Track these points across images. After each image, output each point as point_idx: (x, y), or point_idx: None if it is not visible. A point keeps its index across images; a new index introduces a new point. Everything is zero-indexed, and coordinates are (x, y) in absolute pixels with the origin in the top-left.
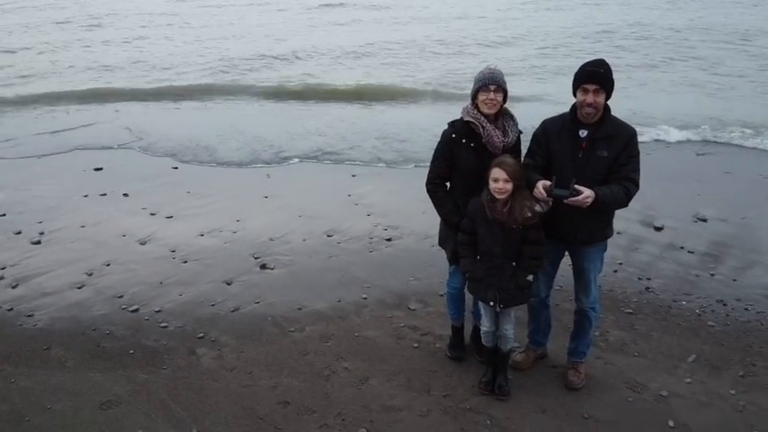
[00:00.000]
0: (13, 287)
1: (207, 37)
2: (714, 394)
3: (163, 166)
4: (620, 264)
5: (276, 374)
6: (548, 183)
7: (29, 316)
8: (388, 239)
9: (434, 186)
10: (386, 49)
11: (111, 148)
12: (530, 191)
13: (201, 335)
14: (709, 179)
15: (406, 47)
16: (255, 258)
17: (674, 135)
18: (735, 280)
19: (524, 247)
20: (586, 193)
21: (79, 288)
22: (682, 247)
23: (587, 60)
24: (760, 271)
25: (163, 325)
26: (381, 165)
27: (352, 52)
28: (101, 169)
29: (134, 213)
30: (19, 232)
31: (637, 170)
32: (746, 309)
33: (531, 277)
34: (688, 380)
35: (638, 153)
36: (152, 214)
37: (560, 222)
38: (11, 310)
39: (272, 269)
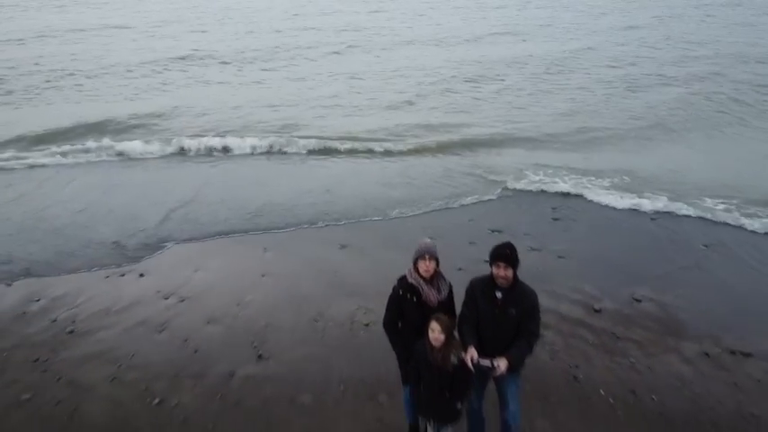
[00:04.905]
0: (58, 380)
1: None
2: None
3: (171, 236)
4: (558, 351)
5: None
6: (475, 354)
7: (74, 410)
8: (366, 324)
9: (389, 327)
10: None
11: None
12: (460, 343)
13: (212, 427)
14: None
15: None
16: (254, 347)
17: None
18: (650, 368)
19: (454, 383)
20: (502, 368)
21: (111, 381)
22: (613, 333)
23: (498, 243)
24: (674, 357)
25: (181, 418)
26: None
27: None
28: (117, 242)
29: (150, 298)
30: (54, 320)
31: (538, 324)
32: (652, 399)
33: (459, 405)
34: None
35: (539, 310)
36: (165, 298)
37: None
38: (58, 404)
39: (268, 359)
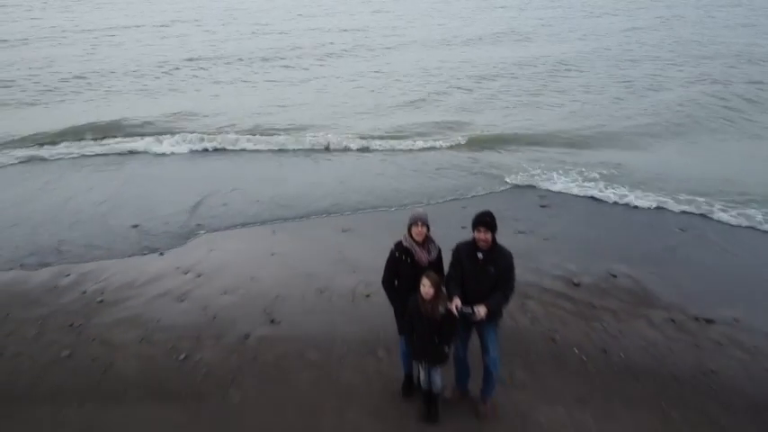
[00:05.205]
0: (92, 341)
1: None
2: (577, 421)
3: (188, 223)
4: (538, 318)
5: (283, 411)
6: (458, 302)
7: (109, 365)
8: (367, 295)
9: (387, 284)
10: None
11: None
12: (447, 296)
13: (232, 378)
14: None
15: None
16: (266, 313)
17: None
18: (620, 332)
19: (442, 330)
20: (482, 314)
21: (140, 341)
22: (590, 303)
23: (480, 212)
24: (643, 323)
25: (204, 371)
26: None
27: None
28: (137, 226)
29: (170, 273)
30: (84, 292)
31: (513, 280)
32: (620, 356)
33: (446, 349)
34: (562, 410)
35: (513, 268)
36: (185, 273)
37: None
38: (94, 360)
39: (279, 323)
